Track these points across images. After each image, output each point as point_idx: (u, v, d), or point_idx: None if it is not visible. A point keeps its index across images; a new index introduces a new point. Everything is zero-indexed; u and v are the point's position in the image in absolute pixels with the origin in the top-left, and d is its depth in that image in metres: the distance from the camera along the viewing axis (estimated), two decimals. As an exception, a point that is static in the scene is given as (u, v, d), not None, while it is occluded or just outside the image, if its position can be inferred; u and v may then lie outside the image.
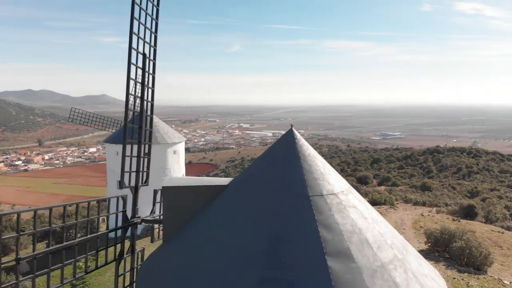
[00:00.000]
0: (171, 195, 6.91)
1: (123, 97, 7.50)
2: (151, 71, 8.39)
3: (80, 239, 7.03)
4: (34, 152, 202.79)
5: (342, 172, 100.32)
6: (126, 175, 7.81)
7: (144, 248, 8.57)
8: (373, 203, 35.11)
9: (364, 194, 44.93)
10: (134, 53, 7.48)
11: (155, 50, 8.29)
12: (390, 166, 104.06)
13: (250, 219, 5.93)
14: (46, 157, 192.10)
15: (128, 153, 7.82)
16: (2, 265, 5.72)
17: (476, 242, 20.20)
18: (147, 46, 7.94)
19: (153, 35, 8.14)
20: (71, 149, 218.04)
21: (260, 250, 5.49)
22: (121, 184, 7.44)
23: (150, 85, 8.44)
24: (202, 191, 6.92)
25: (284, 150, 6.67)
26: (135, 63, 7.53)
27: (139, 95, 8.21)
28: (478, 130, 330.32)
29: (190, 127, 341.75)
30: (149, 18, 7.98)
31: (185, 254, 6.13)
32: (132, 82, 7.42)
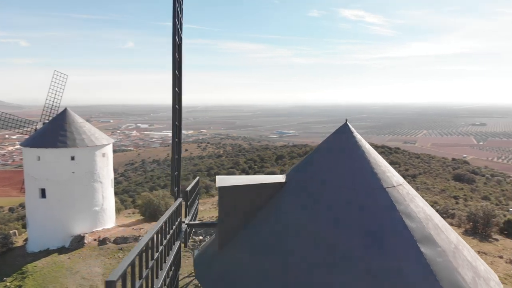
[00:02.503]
0: (228, 196, 6.59)
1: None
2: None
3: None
4: None
5: (250, 169, 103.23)
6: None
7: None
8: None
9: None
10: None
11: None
12: (293, 162, 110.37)
13: (335, 215, 5.99)
14: None
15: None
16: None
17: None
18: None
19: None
20: None
21: (358, 243, 5.62)
22: (177, 193, 6.84)
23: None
24: (260, 189, 6.74)
25: (346, 144, 6.85)
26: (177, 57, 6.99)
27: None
28: (361, 127, 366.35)
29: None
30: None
31: (269, 255, 5.93)
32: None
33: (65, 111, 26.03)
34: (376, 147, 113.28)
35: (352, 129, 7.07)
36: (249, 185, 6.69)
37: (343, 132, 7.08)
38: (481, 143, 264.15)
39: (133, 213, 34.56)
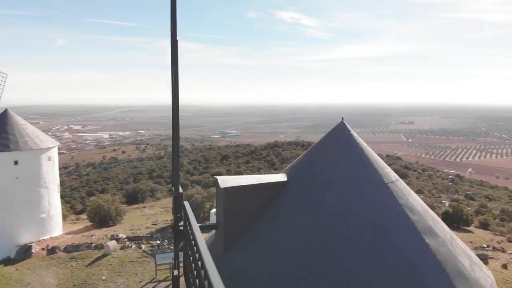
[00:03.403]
0: (233, 197, 6.44)
1: None
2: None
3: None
4: None
5: (195, 170, 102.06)
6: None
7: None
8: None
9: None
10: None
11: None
12: (239, 161, 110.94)
13: (344, 210, 6.11)
14: None
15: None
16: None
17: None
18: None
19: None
20: None
21: (369, 237, 5.79)
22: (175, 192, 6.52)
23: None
24: (263, 189, 6.68)
25: (345, 142, 7.01)
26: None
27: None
28: (300, 126, 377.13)
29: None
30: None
31: (281, 255, 5.90)
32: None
33: (5, 112, 23.89)
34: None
35: (349, 127, 7.28)
36: (253, 185, 6.60)
37: (341, 130, 7.25)
38: (410, 140, 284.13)
39: (77, 220, 32.61)
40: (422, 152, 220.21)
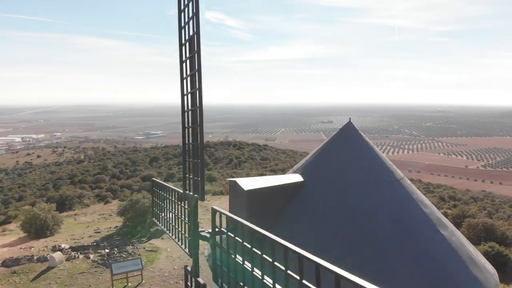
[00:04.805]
0: (256, 199, 6.35)
1: None
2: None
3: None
4: None
5: (122, 173, 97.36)
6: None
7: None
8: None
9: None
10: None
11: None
12: (170, 163, 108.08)
13: (367, 208, 6.34)
14: None
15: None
16: None
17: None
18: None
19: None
20: None
21: (395, 232, 6.10)
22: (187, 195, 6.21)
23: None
24: (282, 190, 6.68)
25: (355, 142, 7.26)
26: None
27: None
28: (228, 126, 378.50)
29: None
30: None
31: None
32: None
33: None
34: (247, 144, 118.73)
35: (356, 127, 7.58)
36: (274, 186, 6.58)
37: (349, 130, 7.51)
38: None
39: (4, 231, 29.36)
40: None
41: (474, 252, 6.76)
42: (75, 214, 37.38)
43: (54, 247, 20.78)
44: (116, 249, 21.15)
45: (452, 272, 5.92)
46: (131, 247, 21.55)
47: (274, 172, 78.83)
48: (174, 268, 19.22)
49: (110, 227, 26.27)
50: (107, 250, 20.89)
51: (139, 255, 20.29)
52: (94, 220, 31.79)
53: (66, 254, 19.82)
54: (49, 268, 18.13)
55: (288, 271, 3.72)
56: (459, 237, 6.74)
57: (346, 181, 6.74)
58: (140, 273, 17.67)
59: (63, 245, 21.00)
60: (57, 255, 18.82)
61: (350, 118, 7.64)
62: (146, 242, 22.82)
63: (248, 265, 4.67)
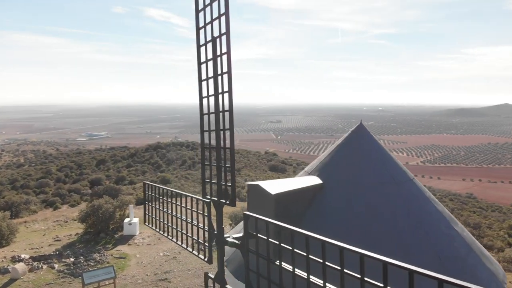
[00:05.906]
0: (282, 203, 6.33)
1: None
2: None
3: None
4: None
5: (67, 177, 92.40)
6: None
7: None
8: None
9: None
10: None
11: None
12: (118, 166, 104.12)
13: (388, 208, 6.55)
14: None
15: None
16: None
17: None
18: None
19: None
20: None
21: (417, 231, 6.37)
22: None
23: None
24: (305, 193, 6.73)
25: (368, 144, 7.46)
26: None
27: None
28: (176, 126, 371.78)
29: None
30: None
31: (336, 257, 6.06)
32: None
33: None
34: (199, 145, 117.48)
35: (367, 129, 7.79)
36: (298, 189, 6.60)
37: (361, 132, 7.71)
38: (279, 137, 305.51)
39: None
40: (290, 148, 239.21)
41: (482, 247, 7.25)
42: (25, 222, 34.98)
43: (13, 257, 19.29)
44: (82, 257, 20.04)
45: (471, 265, 6.30)
46: (97, 254, 20.53)
47: (229, 172, 78.38)
48: (147, 275, 18.60)
49: (71, 234, 24.83)
50: (72, 259, 19.74)
51: (107, 262, 19.39)
52: (49, 227, 29.90)
53: (28, 264, 18.49)
54: (12, 280, 16.81)
55: (345, 270, 3.75)
56: (468, 232, 7.19)
57: (365, 182, 6.92)
58: (112, 281, 16.90)
59: (23, 255, 19.54)
60: (20, 266, 17.50)
61: (361, 120, 7.85)
62: (112, 249, 21.85)
63: (300, 272, 4.64)
